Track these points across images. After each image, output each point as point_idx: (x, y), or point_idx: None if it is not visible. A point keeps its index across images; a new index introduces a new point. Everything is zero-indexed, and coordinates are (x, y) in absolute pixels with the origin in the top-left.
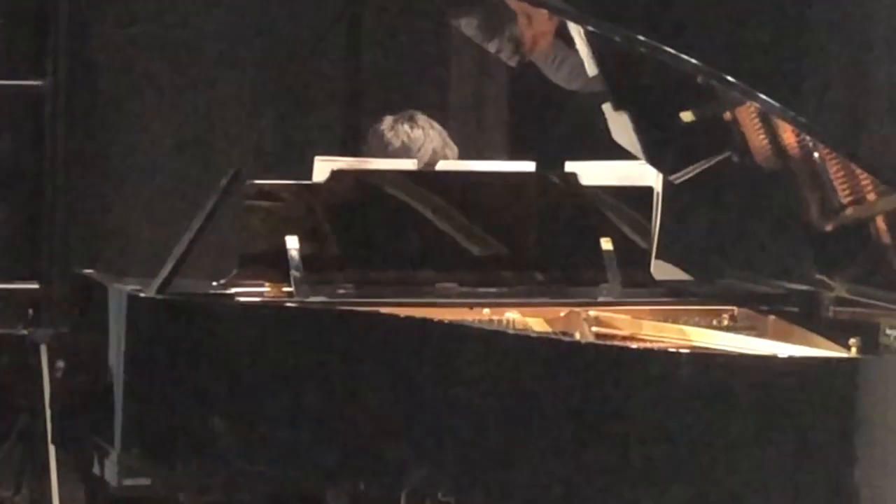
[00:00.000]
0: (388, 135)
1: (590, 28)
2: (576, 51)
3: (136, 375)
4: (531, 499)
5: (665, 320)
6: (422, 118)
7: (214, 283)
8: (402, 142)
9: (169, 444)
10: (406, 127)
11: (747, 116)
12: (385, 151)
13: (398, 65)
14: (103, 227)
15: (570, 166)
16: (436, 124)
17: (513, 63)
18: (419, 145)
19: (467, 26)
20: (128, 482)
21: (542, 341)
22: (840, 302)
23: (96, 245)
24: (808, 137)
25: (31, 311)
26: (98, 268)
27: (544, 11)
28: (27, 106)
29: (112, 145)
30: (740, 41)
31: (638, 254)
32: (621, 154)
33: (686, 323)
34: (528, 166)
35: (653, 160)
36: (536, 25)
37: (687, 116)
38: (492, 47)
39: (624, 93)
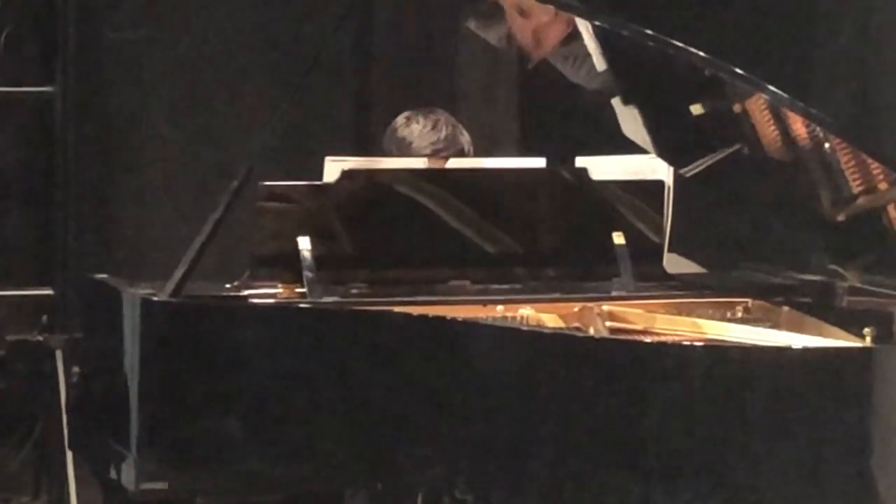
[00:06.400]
0: (401, 127)
1: (597, 23)
2: None
3: (151, 379)
4: (547, 494)
5: (679, 313)
6: (438, 111)
7: (227, 286)
8: (413, 132)
9: (185, 448)
10: (420, 117)
11: (757, 108)
12: (399, 145)
13: (408, 61)
14: (116, 231)
15: (580, 161)
16: (450, 116)
17: (528, 64)
18: (427, 134)
19: (478, 29)
20: (145, 486)
21: (555, 337)
22: (853, 291)
23: (109, 250)
24: (818, 128)
25: (45, 317)
26: (111, 272)
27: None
28: (37, 112)
29: (122, 150)
30: (748, 32)
31: (650, 247)
32: (632, 148)
33: (700, 316)
34: (539, 162)
35: (663, 154)
36: (534, 20)
37: (697, 109)
38: (504, 47)
39: (633, 87)
